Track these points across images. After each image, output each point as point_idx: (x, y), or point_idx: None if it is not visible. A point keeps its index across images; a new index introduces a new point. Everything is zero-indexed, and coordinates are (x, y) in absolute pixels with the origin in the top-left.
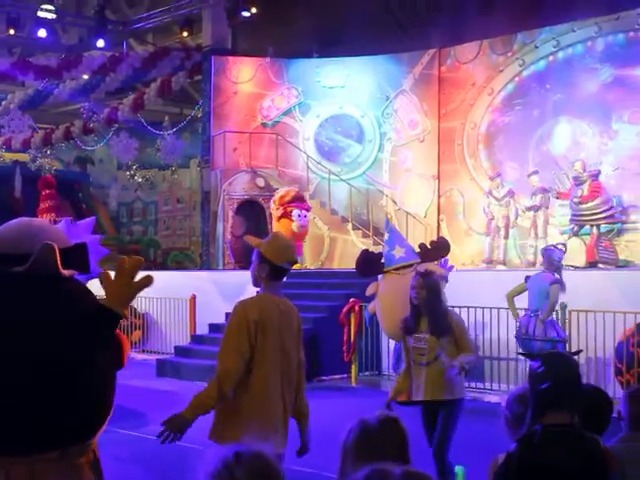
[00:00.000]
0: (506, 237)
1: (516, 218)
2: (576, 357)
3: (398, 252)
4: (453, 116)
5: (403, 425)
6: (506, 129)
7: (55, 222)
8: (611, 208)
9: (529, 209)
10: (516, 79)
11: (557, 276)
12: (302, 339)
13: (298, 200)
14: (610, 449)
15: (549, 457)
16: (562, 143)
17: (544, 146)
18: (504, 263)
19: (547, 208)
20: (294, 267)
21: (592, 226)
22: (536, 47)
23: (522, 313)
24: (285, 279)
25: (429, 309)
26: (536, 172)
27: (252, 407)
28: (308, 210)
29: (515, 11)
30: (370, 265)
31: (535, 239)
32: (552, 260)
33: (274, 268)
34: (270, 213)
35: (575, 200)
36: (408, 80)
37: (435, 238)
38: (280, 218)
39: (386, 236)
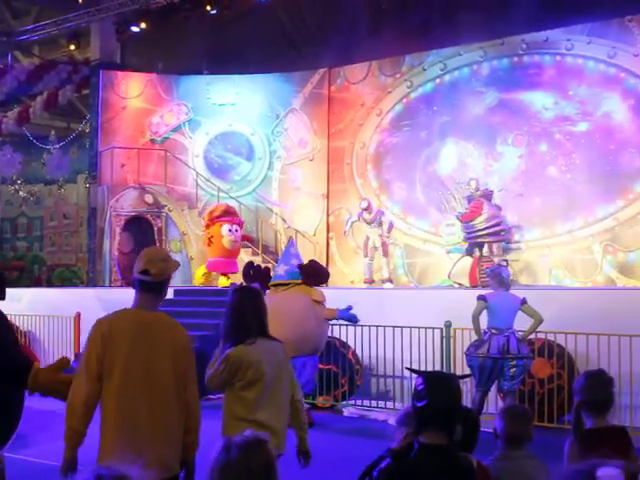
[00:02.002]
0: (385, 255)
1: (389, 234)
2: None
3: (280, 269)
4: (342, 136)
5: (269, 449)
6: (394, 149)
7: None
8: (495, 225)
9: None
10: (404, 100)
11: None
12: (190, 357)
13: (228, 214)
14: (486, 468)
15: (421, 475)
16: (448, 164)
17: (431, 167)
18: (390, 281)
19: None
20: (222, 284)
21: (479, 248)
22: (424, 69)
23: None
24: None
25: None
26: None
27: (110, 428)
28: (240, 224)
29: (403, 34)
30: (251, 276)
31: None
32: (503, 279)
33: (134, 279)
34: (158, 229)
35: (457, 216)
36: (298, 99)
37: (317, 260)
38: (210, 235)
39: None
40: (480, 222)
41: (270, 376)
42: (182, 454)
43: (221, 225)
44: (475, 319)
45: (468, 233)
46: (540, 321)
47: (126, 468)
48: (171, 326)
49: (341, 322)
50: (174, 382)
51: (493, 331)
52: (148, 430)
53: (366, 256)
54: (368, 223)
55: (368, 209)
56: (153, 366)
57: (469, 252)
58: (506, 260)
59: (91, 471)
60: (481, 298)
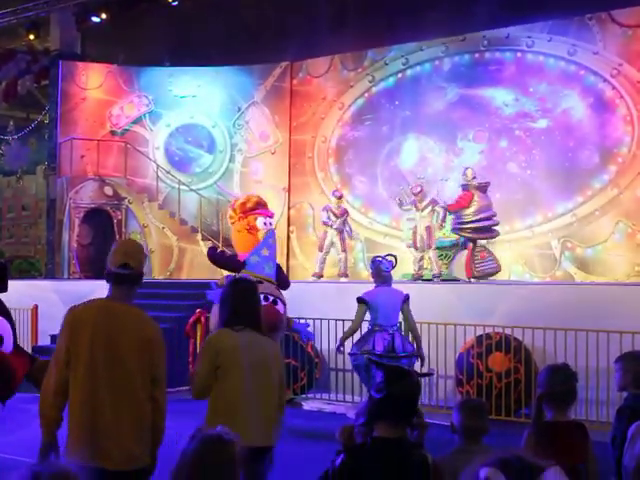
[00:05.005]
0: (344, 250)
1: (350, 235)
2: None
3: (254, 259)
4: (304, 129)
5: (232, 450)
6: (356, 144)
7: None
8: (482, 220)
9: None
10: (366, 95)
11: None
12: (159, 352)
13: (261, 207)
14: (440, 462)
15: (373, 469)
16: (410, 159)
17: (392, 161)
18: (346, 275)
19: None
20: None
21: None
22: (386, 64)
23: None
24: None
25: None
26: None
27: (74, 419)
28: (272, 217)
29: (366, 28)
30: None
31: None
32: (380, 271)
33: (107, 272)
34: (118, 221)
35: (443, 206)
36: (260, 92)
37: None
38: (239, 232)
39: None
40: (469, 214)
41: (250, 366)
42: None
43: (255, 218)
44: (357, 325)
45: (456, 224)
46: (411, 325)
47: (66, 463)
48: (140, 318)
49: (302, 316)
50: (139, 373)
51: (377, 328)
52: (112, 421)
53: (321, 250)
54: (337, 217)
55: (341, 199)
56: (117, 355)
57: (464, 244)
58: (394, 255)
59: (28, 468)
60: (361, 301)
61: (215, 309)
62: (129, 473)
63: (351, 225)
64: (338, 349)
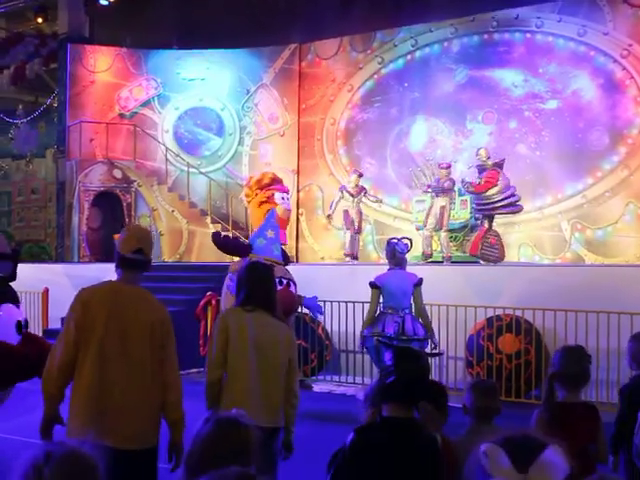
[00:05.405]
0: (359, 232)
1: (377, 199)
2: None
3: (260, 242)
4: (313, 111)
5: (247, 433)
6: (365, 126)
7: None
8: (511, 196)
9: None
10: (375, 76)
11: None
12: (168, 332)
13: (277, 182)
14: (453, 443)
15: (382, 448)
16: (419, 141)
17: (401, 143)
18: (356, 257)
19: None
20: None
21: (489, 219)
22: (395, 45)
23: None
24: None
25: None
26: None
27: (82, 397)
28: (288, 192)
29: (374, 9)
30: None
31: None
32: (395, 253)
33: (120, 257)
34: (127, 204)
35: (469, 189)
36: (268, 74)
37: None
38: (261, 204)
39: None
40: (494, 193)
41: (256, 345)
42: (169, 434)
43: (273, 193)
44: (372, 310)
45: (482, 204)
46: (420, 310)
47: (79, 443)
48: (151, 301)
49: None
50: (150, 355)
51: (389, 311)
52: (121, 401)
53: (348, 229)
54: (353, 196)
55: (361, 176)
56: (129, 337)
57: (474, 227)
58: (409, 238)
59: (40, 447)
60: (373, 286)
61: (225, 291)
62: (136, 452)
63: (370, 197)
64: (362, 338)
